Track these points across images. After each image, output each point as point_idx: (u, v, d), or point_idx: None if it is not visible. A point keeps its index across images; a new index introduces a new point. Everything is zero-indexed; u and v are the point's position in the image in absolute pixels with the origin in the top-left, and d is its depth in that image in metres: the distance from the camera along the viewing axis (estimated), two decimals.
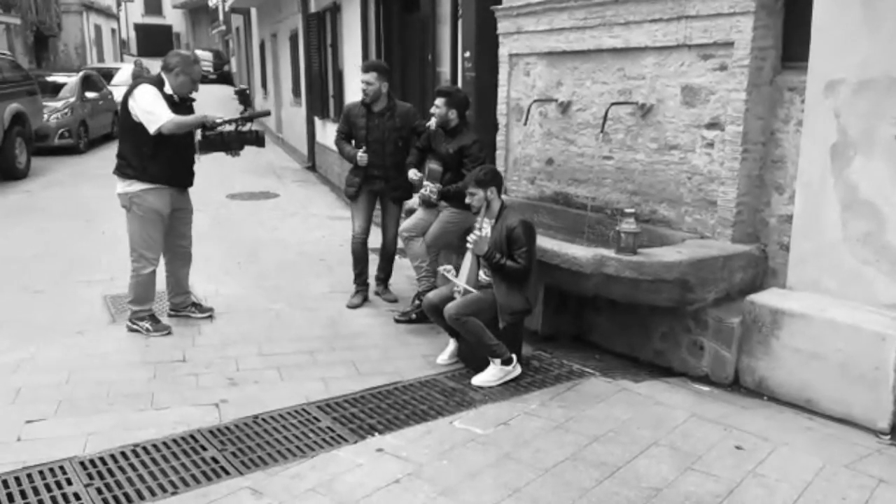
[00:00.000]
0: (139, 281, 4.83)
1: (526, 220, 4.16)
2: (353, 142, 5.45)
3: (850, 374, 3.60)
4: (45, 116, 13.35)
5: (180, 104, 4.78)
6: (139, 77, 18.90)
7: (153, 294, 4.94)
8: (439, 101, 4.99)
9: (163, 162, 4.71)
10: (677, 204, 4.71)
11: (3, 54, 13.19)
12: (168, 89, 4.72)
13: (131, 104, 4.63)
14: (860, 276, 3.80)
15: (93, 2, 28.99)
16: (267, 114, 6.19)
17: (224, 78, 35.28)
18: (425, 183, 4.99)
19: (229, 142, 4.89)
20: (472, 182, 4.23)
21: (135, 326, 4.88)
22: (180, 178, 4.91)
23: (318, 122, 13.07)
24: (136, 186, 4.73)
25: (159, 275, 5.00)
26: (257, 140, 5.01)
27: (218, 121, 4.83)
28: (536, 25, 5.59)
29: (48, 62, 22.47)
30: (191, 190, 5.05)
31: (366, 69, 5.36)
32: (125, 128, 4.76)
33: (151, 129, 4.56)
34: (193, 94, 4.94)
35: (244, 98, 16.01)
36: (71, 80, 15.21)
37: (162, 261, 5.05)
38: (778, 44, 4.20)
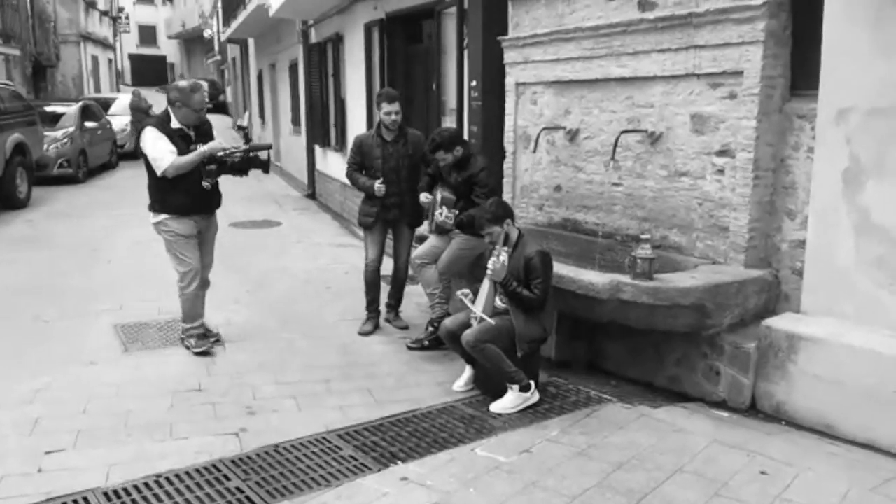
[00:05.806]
0: (185, 299, 5.05)
1: (543, 251, 4.18)
2: (365, 171, 5.50)
3: (871, 398, 3.61)
4: (45, 146, 13.36)
5: (195, 131, 4.99)
6: (138, 109, 19.17)
7: (202, 311, 5.16)
8: (440, 154, 4.96)
9: (181, 192, 4.90)
10: (688, 230, 4.76)
11: (6, 84, 13.23)
12: (175, 123, 4.91)
13: (142, 146, 4.88)
14: (876, 300, 3.83)
15: (90, 33, 29.17)
16: (269, 147, 6.11)
17: (219, 108, 35.42)
18: (441, 209, 5.02)
19: (230, 170, 5.07)
20: (485, 223, 4.23)
21: (186, 343, 5.13)
22: (200, 207, 5.06)
23: (318, 150, 13.14)
24: (161, 216, 4.96)
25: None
26: (261, 165, 5.27)
27: (220, 154, 4.95)
28: (543, 55, 5.67)
29: (46, 92, 22.51)
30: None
31: (391, 100, 5.38)
32: (145, 164, 4.97)
33: (158, 174, 4.82)
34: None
35: (245, 136, 16.73)
36: (70, 109, 15.24)
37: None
38: (787, 72, 4.28)
